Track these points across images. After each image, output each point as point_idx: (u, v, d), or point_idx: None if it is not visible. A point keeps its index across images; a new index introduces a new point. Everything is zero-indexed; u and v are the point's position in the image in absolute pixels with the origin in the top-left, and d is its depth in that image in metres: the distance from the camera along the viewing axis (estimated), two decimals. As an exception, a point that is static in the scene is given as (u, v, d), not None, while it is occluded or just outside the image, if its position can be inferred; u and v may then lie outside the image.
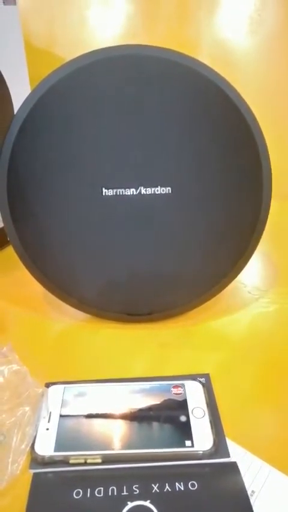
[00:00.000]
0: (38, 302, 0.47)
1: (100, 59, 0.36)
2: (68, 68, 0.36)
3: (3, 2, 0.49)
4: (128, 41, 0.37)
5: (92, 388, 0.34)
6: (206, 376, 0.35)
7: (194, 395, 0.33)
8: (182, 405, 0.33)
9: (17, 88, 0.53)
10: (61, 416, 0.32)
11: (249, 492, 0.28)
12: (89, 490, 0.27)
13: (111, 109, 0.36)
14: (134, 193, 0.38)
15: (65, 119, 0.36)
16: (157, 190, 0.38)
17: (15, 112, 0.37)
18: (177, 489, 0.27)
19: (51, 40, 0.75)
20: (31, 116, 0.36)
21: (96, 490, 0.27)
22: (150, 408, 0.32)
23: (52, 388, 0.34)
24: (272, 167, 0.39)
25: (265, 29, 0.72)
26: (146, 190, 0.37)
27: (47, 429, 0.31)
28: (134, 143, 0.37)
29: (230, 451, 0.30)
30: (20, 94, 0.41)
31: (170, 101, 0.36)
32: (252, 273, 0.52)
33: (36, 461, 0.29)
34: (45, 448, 0.30)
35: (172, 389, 0.34)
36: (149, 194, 0.38)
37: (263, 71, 0.73)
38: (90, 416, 0.32)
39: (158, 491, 0.27)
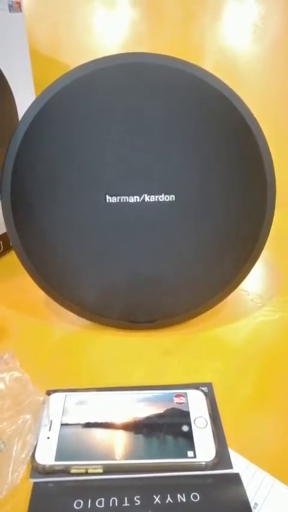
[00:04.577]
0: (39, 308, 0.47)
1: (104, 66, 0.36)
2: (73, 75, 0.36)
3: (9, 9, 0.49)
4: (132, 48, 0.38)
5: (94, 396, 0.34)
6: (209, 385, 0.35)
7: (197, 404, 0.33)
8: (184, 415, 0.32)
9: (22, 94, 0.53)
10: (62, 424, 0.32)
11: (252, 504, 0.27)
12: (89, 500, 0.27)
13: (115, 116, 0.36)
14: (138, 200, 0.37)
15: (70, 126, 0.36)
16: (161, 198, 0.37)
17: (20, 118, 0.37)
18: (179, 500, 0.27)
19: (56, 47, 0.75)
20: (36, 122, 0.37)
21: (97, 500, 0.27)
22: (152, 418, 0.32)
23: (53, 396, 0.34)
24: (275, 175, 0.39)
25: (269, 36, 0.72)
26: (149, 198, 0.37)
27: (48, 438, 0.31)
28: (139, 150, 0.37)
29: (232, 461, 0.30)
30: (25, 100, 0.41)
31: (174, 109, 0.36)
32: (255, 281, 0.52)
33: (37, 470, 0.29)
34: (46, 457, 0.29)
35: (174, 398, 0.34)
36: (153, 202, 0.37)
37: (267, 78, 0.73)
38: (91, 425, 0.32)
39: (159, 502, 0.27)
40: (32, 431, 0.31)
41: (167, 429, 0.31)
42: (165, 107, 0.36)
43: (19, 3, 0.50)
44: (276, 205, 0.39)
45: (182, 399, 0.34)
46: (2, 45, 0.50)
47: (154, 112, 0.36)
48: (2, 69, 0.50)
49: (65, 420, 0.32)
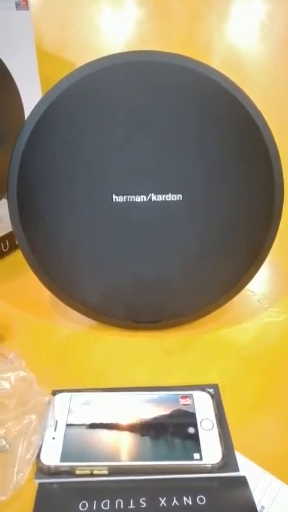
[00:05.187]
0: (45, 308, 0.47)
1: (110, 65, 0.36)
2: (79, 74, 0.36)
3: (16, 7, 0.49)
4: (138, 47, 0.37)
5: (99, 397, 0.34)
6: (215, 387, 0.35)
7: (203, 406, 0.33)
8: (190, 417, 0.32)
9: (28, 92, 0.53)
10: (67, 425, 0.32)
11: (258, 508, 0.27)
12: (95, 502, 0.27)
13: (122, 115, 0.36)
14: (145, 199, 0.37)
15: (76, 125, 0.36)
16: (168, 197, 0.37)
17: (26, 116, 0.37)
18: (185, 503, 0.27)
19: (62, 45, 0.75)
20: (42, 121, 0.36)
21: (103, 502, 0.27)
22: (158, 419, 0.32)
23: (59, 396, 0.34)
24: (283, 174, 0.38)
25: (276, 35, 0.72)
26: (156, 197, 0.37)
27: (53, 438, 0.31)
28: (145, 149, 0.36)
29: (239, 464, 0.29)
30: (31, 98, 0.41)
31: (181, 107, 0.36)
32: (262, 282, 0.51)
33: (42, 471, 0.29)
34: (51, 457, 0.29)
35: (180, 400, 0.33)
36: (160, 201, 0.37)
37: (274, 76, 0.73)
38: (96, 426, 0.32)
39: (165, 505, 0.27)
40: (37, 432, 0.31)
41: (173, 431, 0.31)
42: (172, 105, 0.36)
43: (26, 1, 0.50)
44: (284, 204, 0.39)
45: (188, 401, 0.33)
46: (9, 43, 0.50)
47: (161, 110, 0.36)
48: (8, 67, 0.50)
49: (71, 421, 0.32)
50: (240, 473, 0.29)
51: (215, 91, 0.36)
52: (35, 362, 0.35)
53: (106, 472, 0.29)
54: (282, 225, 0.40)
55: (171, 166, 0.37)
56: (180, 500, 0.27)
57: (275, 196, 0.38)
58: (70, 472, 0.29)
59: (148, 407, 0.33)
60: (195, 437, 0.30)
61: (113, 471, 0.29)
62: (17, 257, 0.42)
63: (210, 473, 0.29)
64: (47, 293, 0.42)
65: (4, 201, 0.39)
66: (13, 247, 0.57)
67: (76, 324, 0.44)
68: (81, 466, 0.29)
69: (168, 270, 0.40)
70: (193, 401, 0.33)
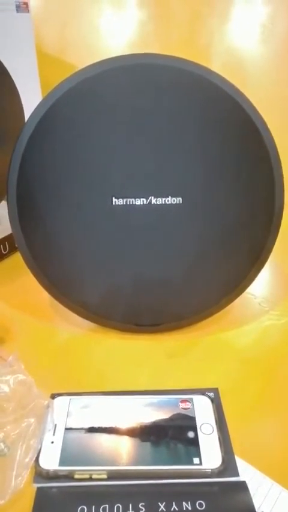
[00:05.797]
0: (44, 310, 0.47)
1: (111, 68, 0.36)
2: (79, 77, 0.36)
3: (16, 10, 0.49)
4: (139, 49, 0.37)
5: (98, 400, 0.34)
6: (215, 391, 0.35)
7: (203, 410, 0.33)
8: (190, 421, 0.32)
9: (28, 94, 0.53)
10: (66, 429, 0.31)
11: (258, 513, 0.27)
12: (93, 507, 0.27)
13: (122, 118, 0.36)
14: (144, 202, 0.37)
15: (76, 128, 0.36)
16: (167, 200, 0.37)
17: (26, 119, 0.37)
18: (184, 508, 0.27)
19: (63, 47, 0.75)
20: (42, 123, 0.36)
21: (102, 507, 0.27)
22: (157, 423, 0.32)
23: (58, 399, 0.34)
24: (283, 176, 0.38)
25: (277, 37, 0.72)
26: (156, 200, 0.37)
27: (52, 442, 0.30)
28: (145, 152, 0.36)
29: (239, 469, 0.29)
30: (31, 100, 0.41)
31: (181, 110, 0.36)
32: (263, 285, 0.51)
33: (41, 475, 0.29)
34: (50, 461, 0.29)
35: (180, 404, 0.33)
36: (160, 204, 0.37)
37: (275, 79, 0.72)
38: (96, 430, 0.31)
39: (164, 510, 0.27)
40: (36, 435, 0.30)
41: (173, 435, 0.31)
42: (172, 108, 0.36)
43: (26, 4, 0.50)
44: (284, 206, 0.39)
45: (187, 405, 0.33)
46: (9, 45, 0.50)
47: (161, 113, 0.36)
48: (8, 69, 0.50)
49: (70, 425, 0.32)
50: (240, 478, 0.29)
51: (215, 94, 0.36)
52: (34, 365, 0.35)
53: (105, 476, 0.28)
54: (283, 226, 0.39)
55: (171, 169, 0.37)
56: (179, 505, 0.27)
57: (276, 198, 0.38)
58: (69, 476, 0.28)
59: (147, 411, 0.33)
60: (195, 442, 0.30)
61: (112, 475, 0.28)
62: (17, 259, 0.42)
63: (210, 478, 0.28)
64: (46, 296, 0.42)
65: (4, 203, 0.39)
66: (13, 250, 0.57)
67: (76, 327, 0.44)
68: (80, 470, 0.29)
69: (168, 273, 0.40)
70: (193, 405, 0.33)
